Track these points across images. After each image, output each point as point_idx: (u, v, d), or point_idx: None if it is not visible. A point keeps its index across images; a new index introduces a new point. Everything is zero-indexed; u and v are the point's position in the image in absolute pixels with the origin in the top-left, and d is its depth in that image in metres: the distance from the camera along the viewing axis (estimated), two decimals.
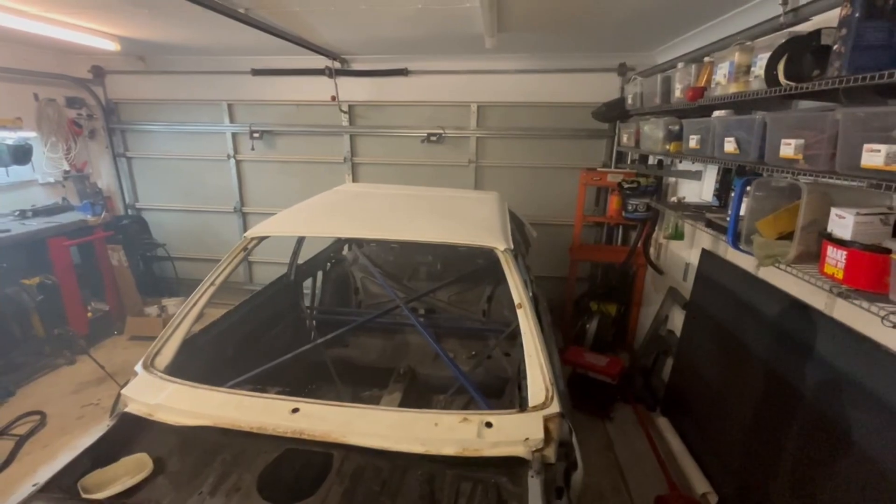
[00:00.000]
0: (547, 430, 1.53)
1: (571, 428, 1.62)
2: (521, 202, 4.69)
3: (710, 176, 3.06)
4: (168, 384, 1.72)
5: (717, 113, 2.28)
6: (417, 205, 2.78)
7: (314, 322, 3.32)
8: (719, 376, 2.92)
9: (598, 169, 4.36)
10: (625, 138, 3.78)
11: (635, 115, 3.62)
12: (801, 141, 1.61)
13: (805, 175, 1.63)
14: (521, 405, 1.66)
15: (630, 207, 3.92)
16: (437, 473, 1.57)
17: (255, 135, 5.07)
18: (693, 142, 2.48)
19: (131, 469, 1.53)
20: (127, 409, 1.65)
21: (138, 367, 1.82)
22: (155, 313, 4.82)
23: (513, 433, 1.50)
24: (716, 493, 2.73)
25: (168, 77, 5.11)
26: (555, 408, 1.60)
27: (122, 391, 1.72)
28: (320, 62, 4.63)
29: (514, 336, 3.09)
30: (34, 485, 1.38)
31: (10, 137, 4.34)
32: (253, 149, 5.16)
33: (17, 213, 4.37)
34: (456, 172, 4.98)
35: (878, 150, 1.28)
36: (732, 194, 2.08)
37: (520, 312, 1.88)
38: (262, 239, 2.23)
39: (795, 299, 2.26)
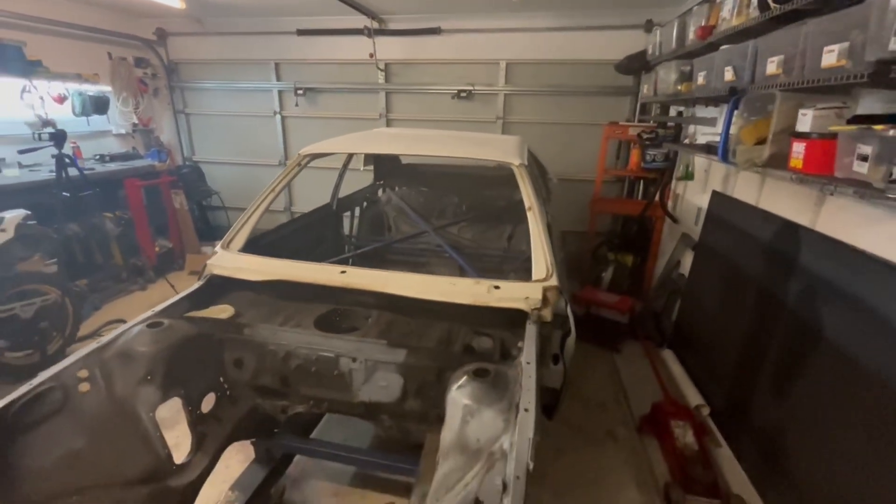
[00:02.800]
0: (545, 297, 1.86)
1: (567, 301, 1.95)
2: (546, 158, 4.89)
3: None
4: (243, 256, 2.17)
5: (722, 47, 2.49)
6: (447, 138, 3.13)
7: (353, 248, 3.74)
8: (720, 306, 3.16)
9: (621, 123, 4.54)
10: (645, 89, 3.95)
11: (655, 65, 3.78)
12: (781, 56, 1.84)
13: (783, 88, 1.85)
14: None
15: (648, 157, 4.12)
16: (453, 328, 1.95)
17: (300, 92, 5.50)
18: (701, 78, 2.69)
19: (219, 312, 1.98)
20: (214, 272, 2.10)
21: (217, 248, 2.28)
22: (212, 252, 5.40)
23: (516, 293, 1.85)
24: (708, 406, 3.01)
25: (222, 38, 5.59)
26: (553, 282, 1.93)
27: (208, 262, 2.18)
28: (359, 22, 4.96)
29: (530, 268, 3.42)
30: (152, 311, 1.85)
31: (91, 90, 4.93)
32: (297, 105, 5.61)
33: (97, 156, 5.00)
34: (484, 129, 5.25)
35: (833, 50, 1.51)
36: None
37: (529, 214, 2.20)
38: (314, 156, 2.63)
39: (786, 220, 2.47)
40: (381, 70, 5.27)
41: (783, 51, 1.84)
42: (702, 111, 3.62)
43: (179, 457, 1.68)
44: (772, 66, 1.91)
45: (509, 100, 5.14)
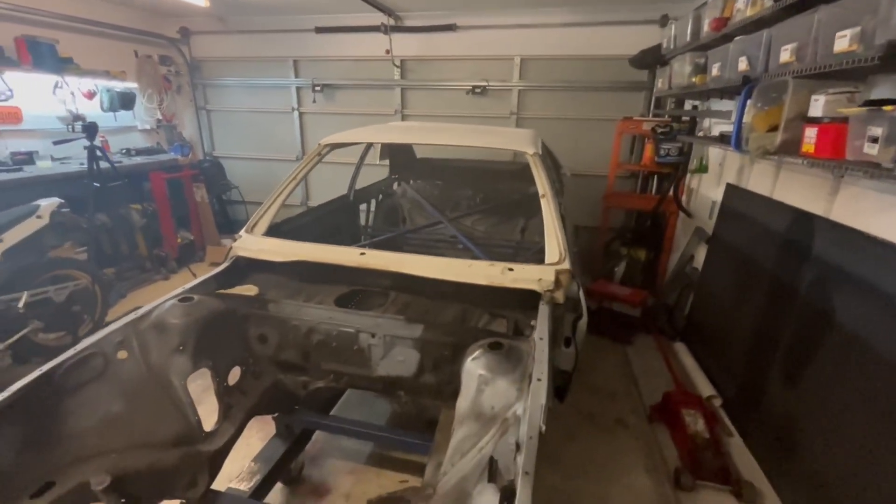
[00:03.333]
0: (558, 280, 1.91)
1: (580, 285, 1.99)
2: (559, 154, 4.93)
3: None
4: (266, 239, 2.26)
5: (737, 38, 2.50)
6: (462, 130, 3.20)
7: (369, 238, 3.83)
8: (732, 298, 3.16)
9: (635, 118, 4.55)
10: (660, 83, 3.96)
11: (670, 59, 3.79)
12: (795, 44, 1.86)
13: (796, 75, 1.88)
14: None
15: (662, 152, 4.12)
16: (468, 310, 2.01)
17: (317, 88, 5.62)
18: (715, 70, 2.71)
19: (244, 292, 2.08)
20: (239, 254, 2.20)
21: (241, 232, 2.38)
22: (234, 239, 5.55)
23: (529, 275, 1.90)
24: (720, 397, 3.01)
25: (243, 36, 5.74)
26: (566, 265, 1.97)
27: (233, 245, 2.28)
28: (376, 19, 5.05)
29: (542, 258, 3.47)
30: (183, 288, 1.95)
31: (118, 87, 5.11)
32: (314, 101, 5.73)
33: (123, 150, 5.18)
34: (498, 124, 5.30)
35: (845, 35, 1.54)
36: None
37: (543, 201, 2.25)
38: (334, 146, 2.72)
39: (800, 210, 2.48)
40: (397, 66, 5.36)
41: (796, 38, 1.86)
42: (716, 104, 3.62)
43: (208, 426, 1.77)
44: (785, 55, 1.94)
45: (523, 95, 5.18)
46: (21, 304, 3.00)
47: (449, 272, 1.91)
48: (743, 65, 2.31)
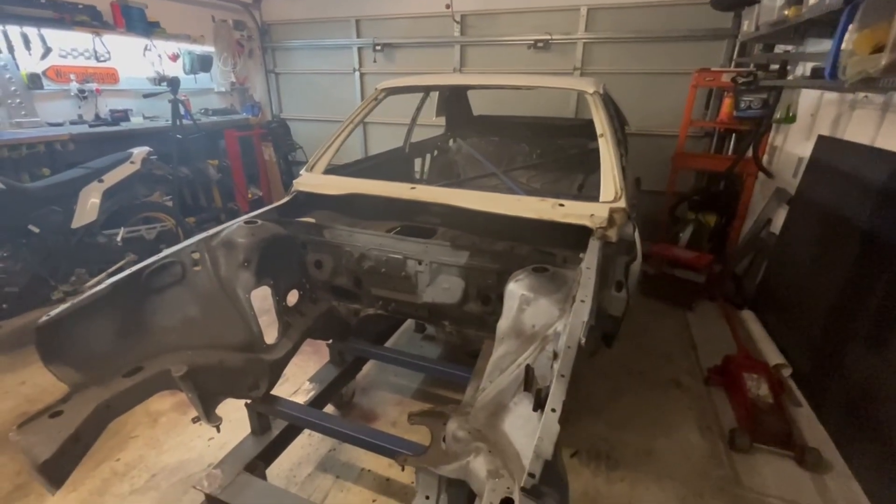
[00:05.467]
0: (611, 218, 1.83)
1: (635, 227, 1.90)
2: (627, 112, 4.65)
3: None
4: (325, 176, 2.37)
5: None
6: (521, 76, 3.09)
7: None
8: (815, 263, 2.87)
9: (713, 69, 4.14)
10: (745, 25, 3.56)
11: None
12: None
13: None
14: None
15: (743, 105, 3.74)
16: (516, 247, 1.99)
17: (378, 48, 5.67)
18: None
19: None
20: (299, 189, 2.33)
21: (302, 171, 2.50)
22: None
23: (581, 211, 1.84)
24: (790, 367, 2.79)
25: None
26: (621, 204, 1.89)
27: (294, 182, 2.41)
28: None
29: None
30: (249, 214, 2.11)
31: (198, 50, 5.47)
32: (375, 62, 5.79)
33: (202, 110, 5.59)
34: None
35: None
36: None
37: (601, 140, 2.15)
38: (390, 91, 2.75)
39: None
40: (457, 23, 5.25)
41: None
42: (813, 45, 3.21)
43: (269, 340, 1.93)
44: None
45: (588, 49, 4.88)
46: (119, 239, 3.40)
47: (497, 205, 1.90)
48: None
